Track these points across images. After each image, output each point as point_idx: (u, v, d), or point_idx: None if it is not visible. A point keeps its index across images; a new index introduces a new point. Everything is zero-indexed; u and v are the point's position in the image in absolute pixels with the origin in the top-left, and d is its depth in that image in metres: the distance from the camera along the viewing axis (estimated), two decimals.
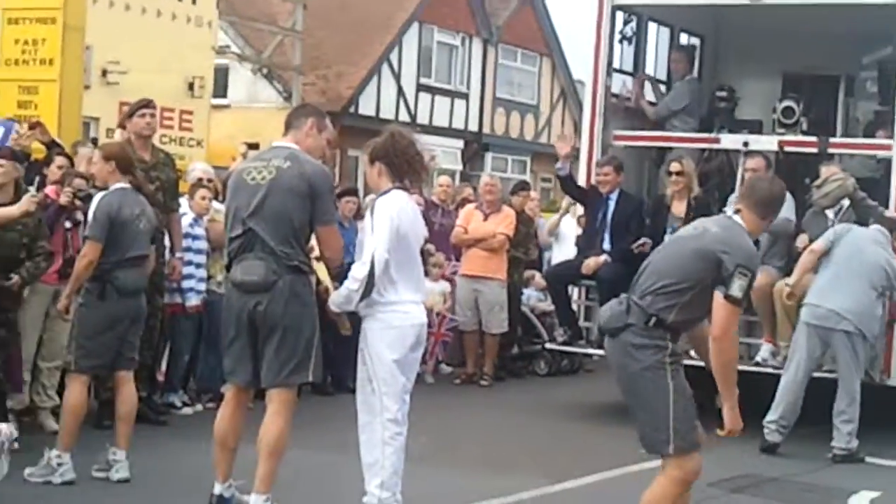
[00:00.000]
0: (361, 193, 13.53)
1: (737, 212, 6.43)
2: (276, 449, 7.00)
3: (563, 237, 14.35)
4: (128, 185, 8.24)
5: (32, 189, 9.27)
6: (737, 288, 6.04)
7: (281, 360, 7.01)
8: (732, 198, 11.70)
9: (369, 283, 7.04)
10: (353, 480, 7.34)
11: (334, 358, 10.91)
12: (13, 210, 8.17)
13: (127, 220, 8.08)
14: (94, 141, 12.42)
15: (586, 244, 12.11)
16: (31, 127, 10.32)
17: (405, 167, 7.26)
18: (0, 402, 8.97)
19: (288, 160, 7.05)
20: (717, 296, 6.06)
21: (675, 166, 11.78)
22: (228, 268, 7.23)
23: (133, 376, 8.32)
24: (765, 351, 11.11)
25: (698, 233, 6.35)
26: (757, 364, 11.07)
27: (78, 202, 9.23)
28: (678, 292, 6.15)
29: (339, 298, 7.17)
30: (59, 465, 7.89)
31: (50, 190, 9.49)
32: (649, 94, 13.83)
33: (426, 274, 12.73)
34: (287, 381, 7.07)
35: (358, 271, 7.08)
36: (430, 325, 12.69)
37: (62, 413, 8.19)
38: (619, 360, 6.25)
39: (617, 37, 13.26)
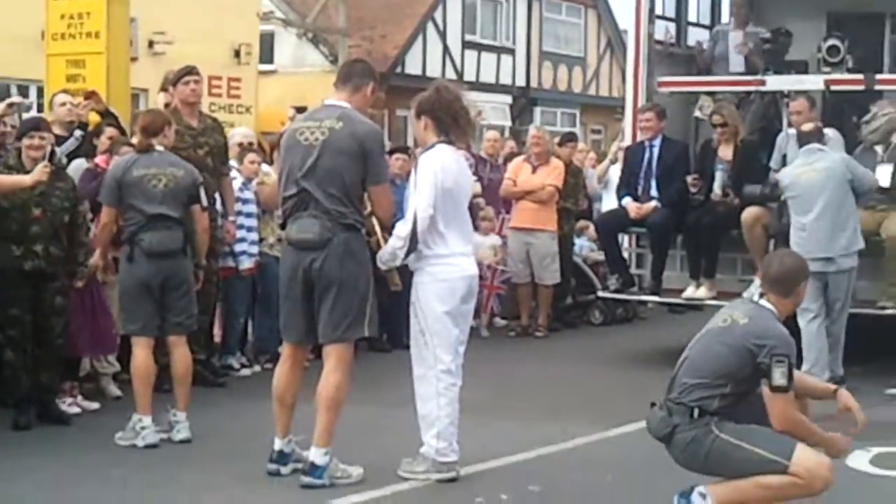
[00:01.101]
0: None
1: (762, 295, 6.36)
2: (334, 403, 7.10)
3: (613, 185, 14.35)
4: (159, 149, 8.33)
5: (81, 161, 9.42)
6: (779, 376, 5.97)
7: (337, 317, 7.09)
8: (780, 139, 11.67)
9: (413, 240, 7.14)
10: (410, 433, 7.44)
11: (389, 314, 11.02)
12: (25, 179, 8.26)
13: (136, 181, 8.15)
14: None
15: (626, 192, 12.10)
16: (86, 97, 10.45)
17: (450, 121, 7.31)
18: (73, 367, 9.17)
19: (340, 120, 7.10)
20: (765, 391, 6.03)
21: (716, 118, 11.73)
22: (283, 226, 7.33)
23: (186, 339, 8.46)
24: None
25: (727, 325, 6.25)
26: None
27: None
28: (717, 386, 6.13)
29: (385, 255, 7.28)
30: (142, 428, 8.09)
31: (100, 159, 9.63)
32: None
33: (476, 228, 12.89)
34: (343, 336, 7.15)
35: (401, 228, 7.16)
36: (481, 279, 12.83)
37: (132, 378, 8.34)
38: (685, 459, 6.21)
39: None
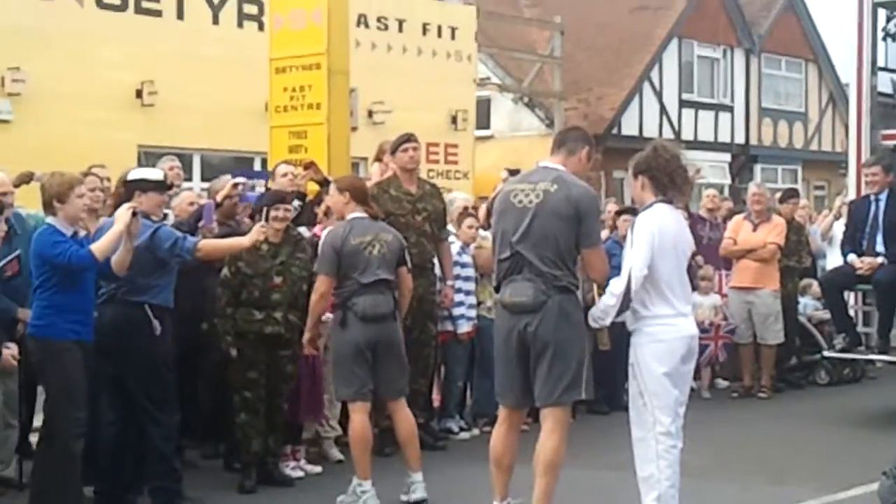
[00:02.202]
0: None
1: None
2: (552, 466, 7.06)
3: (837, 241, 13.97)
4: (363, 215, 8.49)
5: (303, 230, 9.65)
6: None
7: (553, 379, 7.07)
8: None
9: (626, 299, 7.06)
10: (629, 497, 7.33)
11: (607, 375, 10.93)
12: (244, 240, 8.51)
13: (355, 249, 8.31)
14: None
15: (851, 248, 11.76)
16: (306, 167, 10.72)
17: (668, 180, 7.23)
18: (295, 433, 9.37)
19: (555, 183, 7.11)
20: None
21: None
22: (497, 289, 7.36)
23: (406, 402, 8.54)
24: None
25: None
26: None
27: None
28: None
29: (597, 312, 7.24)
30: (363, 492, 8.20)
31: (318, 228, 9.84)
32: None
33: (695, 287, 12.71)
34: (560, 399, 7.12)
35: (615, 286, 7.11)
36: (704, 333, 12.66)
37: (350, 443, 8.46)
38: None
39: (880, 34, 12.91)
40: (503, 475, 7.33)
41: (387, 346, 8.37)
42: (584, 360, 7.17)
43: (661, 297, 7.12)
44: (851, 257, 11.68)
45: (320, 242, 8.81)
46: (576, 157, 7.31)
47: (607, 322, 7.23)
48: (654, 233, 7.09)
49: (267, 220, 8.65)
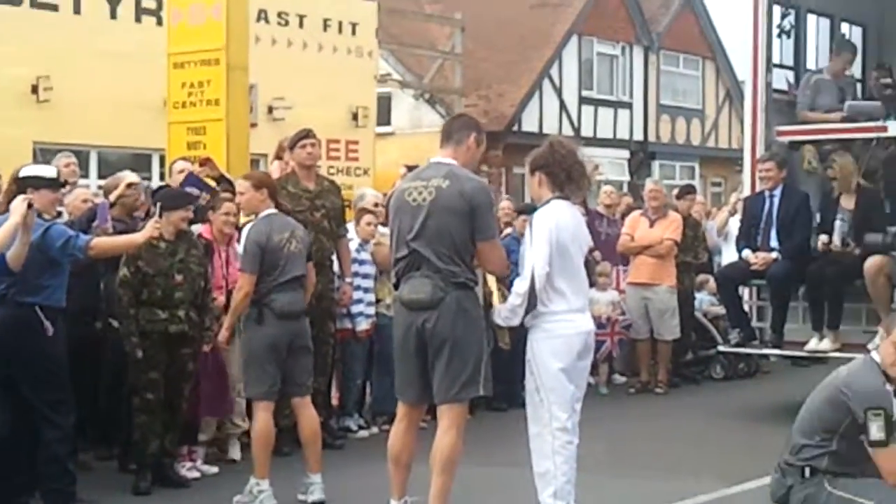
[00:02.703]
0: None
1: (878, 347, 6.23)
2: (449, 464, 7.07)
3: (733, 237, 14.16)
4: (275, 211, 8.46)
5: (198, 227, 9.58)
6: (876, 430, 5.89)
7: (451, 376, 7.07)
8: None
9: (531, 298, 7.10)
10: (526, 493, 7.36)
11: (505, 372, 10.98)
12: (137, 237, 8.43)
13: (277, 246, 8.28)
14: None
15: (746, 244, 11.93)
16: (202, 164, 10.63)
17: (564, 176, 7.27)
18: (192, 433, 9.29)
19: (447, 178, 7.10)
20: (868, 448, 5.92)
21: (830, 172, 11.54)
22: (396, 287, 7.35)
23: (310, 400, 8.51)
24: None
25: (830, 378, 6.19)
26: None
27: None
28: (823, 443, 6.04)
29: (505, 312, 7.25)
30: (260, 492, 8.14)
31: (202, 228, 9.72)
32: None
33: (593, 283, 12.81)
34: (458, 396, 7.12)
35: (519, 286, 7.14)
36: (601, 328, 12.79)
37: (252, 442, 8.41)
38: None
39: (775, 31, 13.07)
40: (401, 473, 7.32)
41: (301, 343, 8.34)
42: (483, 356, 7.18)
43: (558, 294, 7.16)
44: (746, 253, 11.84)
45: (243, 240, 8.68)
46: (464, 147, 7.28)
47: (516, 322, 7.25)
48: (552, 229, 7.12)
49: (161, 216, 8.56)
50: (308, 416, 8.38)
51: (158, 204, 8.68)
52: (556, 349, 7.15)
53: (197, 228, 9.55)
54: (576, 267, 7.30)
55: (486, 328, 7.42)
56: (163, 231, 8.60)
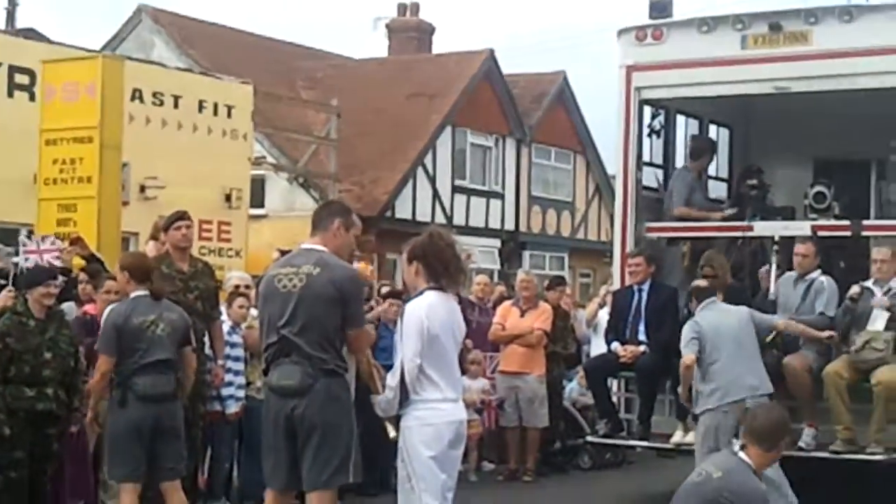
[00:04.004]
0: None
1: (742, 447, 6.35)
2: None
3: (602, 328, 14.33)
4: (144, 293, 8.39)
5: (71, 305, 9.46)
6: None
7: (321, 463, 7.06)
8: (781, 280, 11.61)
9: (403, 390, 7.09)
10: None
11: (376, 458, 10.94)
12: None
13: (137, 328, 8.21)
14: None
15: (614, 336, 12.11)
16: (72, 242, 10.53)
17: (442, 268, 7.28)
18: None
19: (318, 266, 7.13)
20: None
21: (707, 270, 11.75)
22: (266, 372, 7.32)
23: (180, 484, 8.39)
24: (807, 436, 11.04)
25: (701, 479, 6.26)
26: (800, 449, 10.99)
27: None
28: None
29: (383, 405, 7.22)
30: None
31: (90, 307, 9.65)
32: None
33: (464, 371, 12.85)
34: (328, 483, 7.11)
35: (391, 380, 7.14)
36: (472, 421, 12.82)
37: None
38: None
39: (646, 130, 13.35)
40: None
41: (167, 426, 8.23)
42: (353, 442, 7.18)
43: (430, 382, 7.14)
44: (615, 345, 12.01)
45: (102, 320, 8.63)
46: (330, 233, 7.34)
47: (393, 413, 7.21)
48: (423, 320, 7.10)
49: (16, 287, 8.48)
50: (178, 500, 8.26)
51: (11, 273, 8.64)
52: (426, 438, 7.12)
53: (71, 307, 9.44)
54: (448, 357, 7.26)
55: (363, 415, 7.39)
56: (27, 305, 8.49)
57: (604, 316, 14.05)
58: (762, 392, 10.31)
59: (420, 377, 7.11)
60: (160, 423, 8.21)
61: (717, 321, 10.61)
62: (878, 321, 10.92)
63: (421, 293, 7.27)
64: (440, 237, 7.39)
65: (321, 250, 7.25)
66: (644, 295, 12.02)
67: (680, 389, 10.77)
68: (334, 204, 7.87)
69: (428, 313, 7.13)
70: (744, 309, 10.90)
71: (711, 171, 14.33)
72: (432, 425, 7.14)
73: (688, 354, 10.40)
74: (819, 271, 11.43)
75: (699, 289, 11.00)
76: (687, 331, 10.62)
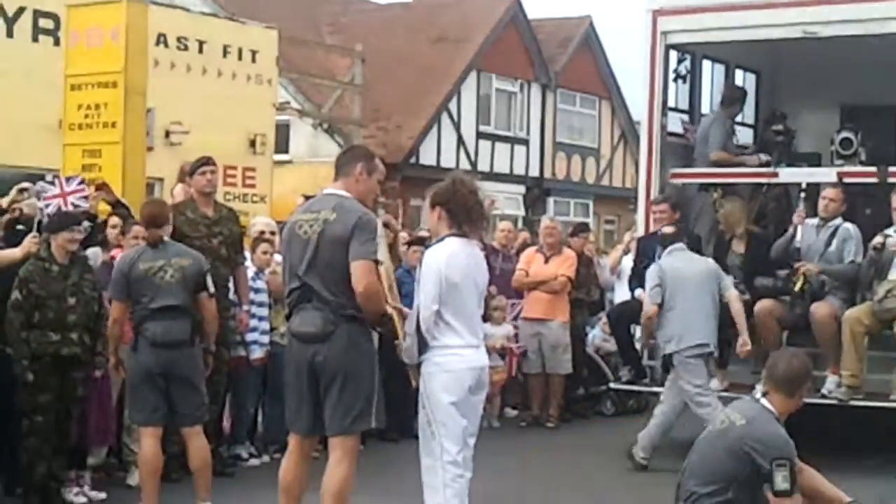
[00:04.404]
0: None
1: (765, 394, 6.33)
2: (340, 496, 7.07)
3: (626, 276, 14.31)
4: (166, 238, 8.43)
5: (97, 251, 9.50)
6: (781, 480, 5.99)
7: (343, 409, 7.08)
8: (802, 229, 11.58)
9: (421, 338, 7.10)
10: None
11: (399, 403, 10.99)
12: (16, 252, 8.39)
13: (143, 274, 8.23)
14: None
15: (638, 283, 12.09)
16: (98, 188, 10.54)
17: (464, 215, 7.26)
18: (80, 457, 9.17)
19: (335, 211, 7.12)
20: (770, 497, 6.02)
21: (719, 215, 11.75)
22: (288, 318, 7.34)
23: (202, 429, 8.44)
24: (830, 383, 11.03)
25: (725, 427, 6.24)
26: (823, 396, 11.00)
27: None
28: (720, 491, 6.12)
29: (405, 354, 7.22)
30: None
31: (115, 252, 9.68)
32: None
33: (487, 318, 12.89)
34: (350, 428, 7.14)
35: (408, 326, 7.16)
36: (499, 365, 12.96)
37: (138, 468, 8.34)
38: None
39: (671, 76, 13.27)
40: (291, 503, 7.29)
41: (181, 372, 8.25)
42: (374, 388, 7.21)
43: (450, 329, 7.15)
44: (639, 292, 11.98)
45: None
46: (352, 178, 7.31)
47: (415, 361, 7.20)
48: (441, 268, 7.09)
49: (40, 233, 8.52)
50: (197, 446, 8.33)
51: (37, 220, 8.66)
52: (447, 383, 7.14)
53: (96, 253, 9.48)
54: (468, 304, 7.24)
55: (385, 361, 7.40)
56: (51, 250, 8.52)
57: (627, 263, 14.03)
58: (709, 349, 10.75)
59: (439, 323, 7.12)
60: (174, 369, 8.24)
61: (679, 268, 10.86)
62: None
63: (442, 239, 7.26)
64: (463, 183, 7.36)
65: (342, 195, 7.24)
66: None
67: (642, 338, 11.14)
68: (357, 148, 7.84)
69: (447, 261, 7.13)
70: (710, 262, 11.21)
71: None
72: (452, 371, 7.15)
73: (651, 307, 10.83)
74: (841, 218, 11.37)
75: (665, 235, 11.27)
76: (650, 275, 10.91)
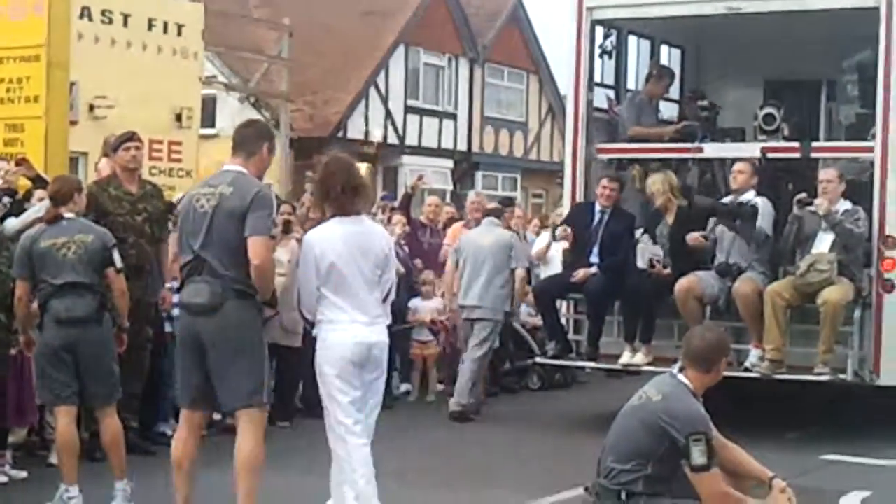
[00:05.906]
0: None
1: (682, 369, 6.36)
2: (251, 468, 7.06)
3: (552, 259, 14.22)
4: (70, 216, 8.24)
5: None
6: (698, 455, 5.99)
7: (234, 383, 7.06)
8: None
9: (304, 318, 7.38)
10: (321, 500, 7.38)
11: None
12: None
13: (45, 251, 8.08)
14: None
15: (575, 259, 12.15)
16: (18, 163, 10.41)
17: (334, 194, 7.30)
18: (1, 436, 9.07)
19: (231, 185, 7.10)
20: (688, 472, 6.05)
21: (648, 189, 11.87)
22: (179, 290, 7.31)
23: (115, 408, 8.31)
24: (753, 357, 11.17)
25: (641, 403, 6.25)
26: (746, 370, 11.14)
27: None
28: (638, 467, 6.14)
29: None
30: (69, 499, 7.94)
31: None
32: None
33: (417, 293, 12.94)
34: (247, 401, 7.10)
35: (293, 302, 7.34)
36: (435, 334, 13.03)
37: (56, 448, 8.25)
38: None
39: (597, 51, 13.31)
40: (184, 479, 7.25)
41: (88, 350, 8.08)
42: (264, 363, 7.21)
43: (335, 306, 7.24)
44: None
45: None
46: (257, 157, 7.29)
47: (298, 331, 7.30)
48: (314, 248, 7.24)
49: None
50: (108, 423, 8.14)
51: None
52: (328, 357, 7.24)
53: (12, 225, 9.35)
54: (352, 282, 7.26)
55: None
56: None
57: (557, 251, 13.81)
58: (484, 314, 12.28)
59: (322, 301, 7.25)
60: (80, 347, 8.04)
61: (476, 238, 12.59)
62: (823, 243, 11.02)
63: (321, 222, 7.33)
64: (329, 163, 7.42)
65: (239, 171, 7.20)
66: (605, 217, 12.01)
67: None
68: (258, 124, 7.80)
69: (320, 243, 7.25)
70: (507, 235, 12.66)
71: None
72: (333, 346, 7.24)
73: (449, 264, 12.80)
74: (754, 192, 11.49)
75: (487, 209, 13.21)
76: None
